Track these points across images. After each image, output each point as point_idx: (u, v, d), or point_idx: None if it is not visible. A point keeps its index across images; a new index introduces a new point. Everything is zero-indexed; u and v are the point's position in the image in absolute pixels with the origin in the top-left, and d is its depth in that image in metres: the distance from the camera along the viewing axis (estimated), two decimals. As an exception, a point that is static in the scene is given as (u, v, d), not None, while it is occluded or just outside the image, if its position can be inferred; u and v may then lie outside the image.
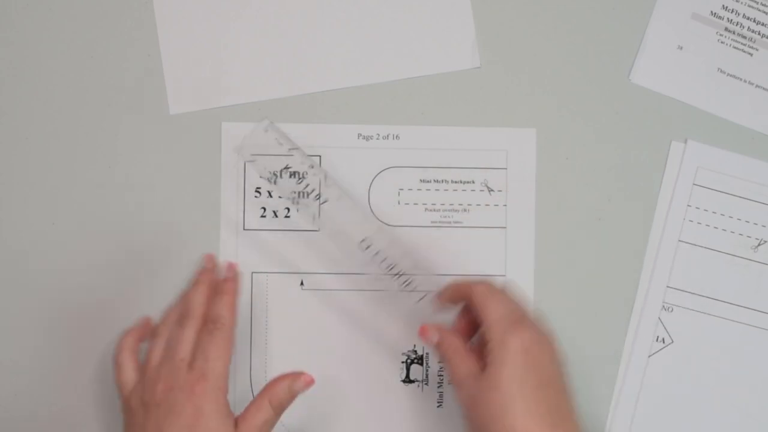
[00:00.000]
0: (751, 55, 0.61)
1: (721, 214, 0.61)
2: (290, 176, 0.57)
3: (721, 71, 0.61)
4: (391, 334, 0.60)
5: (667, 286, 0.61)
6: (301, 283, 0.60)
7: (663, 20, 0.60)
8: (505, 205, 0.60)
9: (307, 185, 0.56)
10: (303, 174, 0.56)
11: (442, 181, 0.60)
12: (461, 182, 0.60)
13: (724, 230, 0.61)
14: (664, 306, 0.61)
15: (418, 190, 0.60)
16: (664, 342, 0.60)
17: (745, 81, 0.61)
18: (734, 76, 0.61)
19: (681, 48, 0.60)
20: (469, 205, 0.60)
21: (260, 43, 0.60)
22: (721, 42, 0.61)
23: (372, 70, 0.60)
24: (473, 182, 0.60)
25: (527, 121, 0.60)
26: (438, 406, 0.60)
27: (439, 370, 0.59)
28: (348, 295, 0.60)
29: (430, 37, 0.60)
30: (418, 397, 0.60)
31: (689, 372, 0.60)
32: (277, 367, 0.58)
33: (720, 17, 0.61)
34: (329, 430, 0.60)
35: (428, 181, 0.60)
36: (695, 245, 0.61)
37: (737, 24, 0.61)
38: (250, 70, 0.60)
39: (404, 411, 0.60)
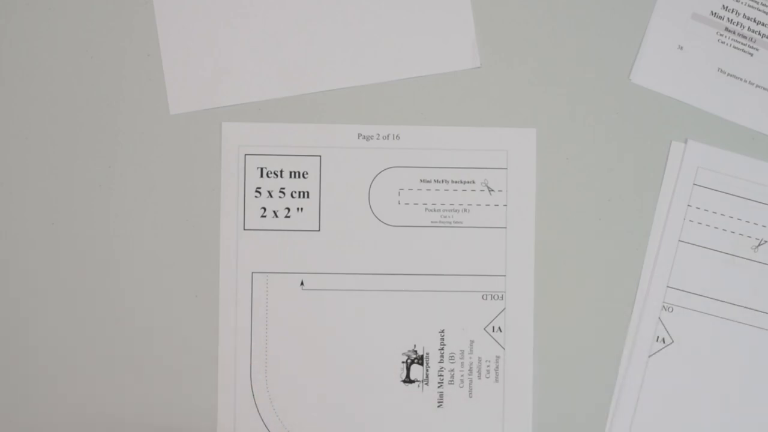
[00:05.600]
0: (752, 55, 0.61)
1: (722, 214, 0.61)
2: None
3: (722, 71, 0.61)
4: (391, 334, 0.60)
5: (668, 286, 0.60)
6: (302, 283, 0.60)
7: (663, 20, 0.60)
8: (506, 205, 0.60)
9: None
10: None
11: (443, 181, 0.60)
12: (461, 182, 0.60)
13: (725, 230, 0.61)
14: (664, 306, 0.60)
15: (419, 190, 0.60)
16: (664, 342, 0.60)
17: (745, 81, 0.61)
18: (734, 76, 0.61)
19: (681, 48, 0.61)
20: (469, 205, 0.60)
21: (260, 43, 0.60)
22: (722, 42, 0.61)
23: (372, 70, 0.60)
24: (473, 182, 0.60)
25: (527, 121, 0.60)
26: (438, 406, 0.60)
27: (439, 370, 0.60)
28: (349, 295, 0.60)
29: (429, 37, 0.60)
30: (419, 397, 0.60)
31: (689, 372, 0.60)
32: (277, 367, 0.59)
33: (720, 17, 0.61)
34: (329, 430, 0.60)
35: (428, 181, 0.60)
36: (695, 245, 0.61)
37: (738, 24, 0.61)
38: (250, 70, 0.60)
39: (404, 411, 0.60)
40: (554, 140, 0.60)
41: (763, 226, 0.61)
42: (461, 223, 0.60)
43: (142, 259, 0.59)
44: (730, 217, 0.61)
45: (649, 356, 0.60)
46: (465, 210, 0.60)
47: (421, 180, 0.60)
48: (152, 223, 0.59)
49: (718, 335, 0.60)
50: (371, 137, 0.60)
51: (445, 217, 0.60)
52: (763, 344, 0.60)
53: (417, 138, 0.60)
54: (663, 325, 0.60)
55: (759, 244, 0.61)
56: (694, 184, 0.61)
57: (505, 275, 0.60)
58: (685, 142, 0.60)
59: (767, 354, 0.60)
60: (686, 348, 0.60)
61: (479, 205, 0.60)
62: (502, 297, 0.60)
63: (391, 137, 0.60)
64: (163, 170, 0.59)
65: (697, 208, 0.61)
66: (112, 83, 0.60)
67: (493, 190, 0.60)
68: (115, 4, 0.60)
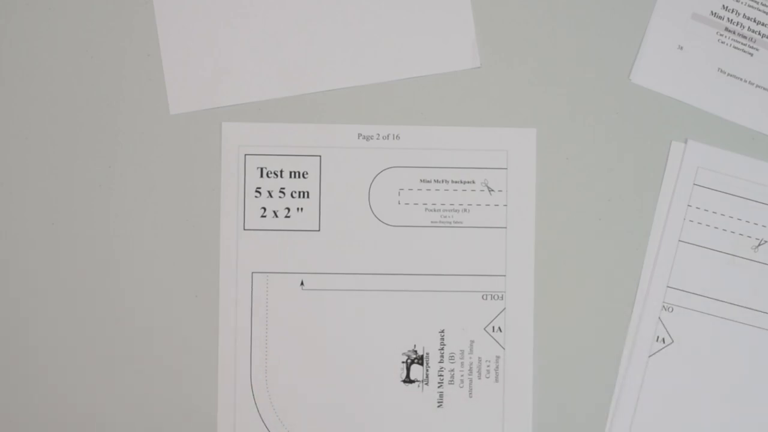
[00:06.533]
0: (752, 55, 0.61)
1: (722, 214, 0.61)
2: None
3: (722, 71, 0.61)
4: (391, 334, 0.61)
5: (668, 286, 0.61)
6: (302, 283, 0.60)
7: (663, 20, 0.61)
8: (506, 205, 0.61)
9: None
10: None
11: (443, 181, 0.61)
12: (461, 182, 0.61)
13: (725, 230, 0.61)
14: (664, 306, 0.61)
15: (419, 190, 0.61)
16: (664, 342, 0.60)
17: (745, 81, 0.61)
18: (734, 76, 0.61)
19: (681, 48, 0.61)
20: (469, 205, 0.61)
21: (260, 43, 0.60)
22: (722, 42, 0.61)
23: (372, 70, 0.60)
24: (473, 182, 0.61)
25: (527, 121, 0.60)
26: (438, 406, 0.61)
27: (439, 371, 0.60)
28: (349, 295, 0.60)
29: (429, 37, 0.60)
30: (419, 397, 0.60)
31: (690, 372, 0.60)
32: (277, 367, 0.60)
33: (720, 17, 0.61)
34: (328, 430, 0.61)
35: (428, 181, 0.61)
36: (695, 245, 0.61)
37: (737, 24, 0.61)
38: (250, 70, 0.60)
39: (404, 411, 0.61)
40: (554, 140, 0.60)
41: (763, 226, 0.61)
42: (461, 223, 0.61)
43: (142, 259, 0.60)
44: (730, 217, 0.61)
45: (649, 356, 0.60)
46: (465, 210, 0.61)
47: (421, 180, 0.61)
48: (152, 223, 0.60)
49: (718, 335, 0.60)
50: (371, 137, 0.61)
51: (445, 217, 0.61)
52: (763, 344, 0.61)
53: (417, 138, 0.61)
54: (663, 325, 0.60)
55: (759, 244, 0.61)
56: (694, 184, 0.61)
57: (505, 275, 0.60)
58: (685, 142, 0.61)
59: (767, 354, 0.61)
60: (686, 348, 0.61)
61: (479, 205, 0.61)
62: (502, 297, 0.60)
63: (391, 137, 0.61)
64: (163, 170, 0.60)
65: (697, 208, 0.61)
66: (112, 83, 0.60)
67: (493, 190, 0.61)
68: (115, 4, 0.60)
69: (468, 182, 0.61)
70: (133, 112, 0.60)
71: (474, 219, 0.61)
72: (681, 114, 0.61)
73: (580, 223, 0.60)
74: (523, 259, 0.61)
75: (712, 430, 0.60)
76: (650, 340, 0.60)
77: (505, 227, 0.61)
